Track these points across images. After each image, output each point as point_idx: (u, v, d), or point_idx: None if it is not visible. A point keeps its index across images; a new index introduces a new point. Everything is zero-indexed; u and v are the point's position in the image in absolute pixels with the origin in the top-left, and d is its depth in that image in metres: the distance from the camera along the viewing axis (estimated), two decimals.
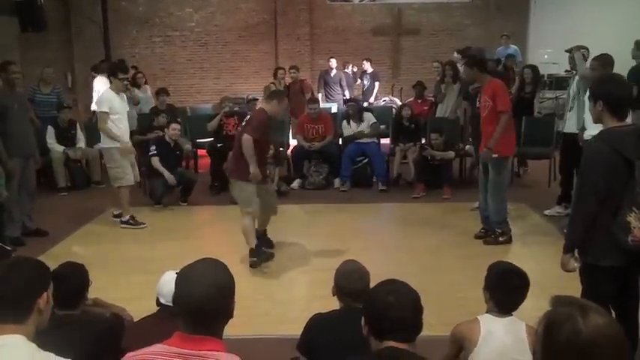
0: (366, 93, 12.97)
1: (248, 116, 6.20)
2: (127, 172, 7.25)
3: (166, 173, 8.10)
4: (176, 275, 2.06)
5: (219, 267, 2.08)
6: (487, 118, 6.24)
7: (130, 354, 2.00)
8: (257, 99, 10.86)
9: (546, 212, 7.33)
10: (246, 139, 5.72)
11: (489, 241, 6.46)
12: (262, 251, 6.00)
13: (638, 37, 8.60)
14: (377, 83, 12.96)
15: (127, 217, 7.34)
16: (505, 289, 2.94)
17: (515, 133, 6.43)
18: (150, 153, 8.27)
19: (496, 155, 6.15)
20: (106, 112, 7.05)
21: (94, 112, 10.20)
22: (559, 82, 12.10)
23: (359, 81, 13.22)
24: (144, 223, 7.37)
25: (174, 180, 8.15)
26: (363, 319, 2.26)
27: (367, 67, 12.96)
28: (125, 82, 7.61)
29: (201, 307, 1.94)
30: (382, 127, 9.74)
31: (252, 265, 5.80)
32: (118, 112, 7.15)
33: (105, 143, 7.19)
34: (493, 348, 2.81)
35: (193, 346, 1.93)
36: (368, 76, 12.97)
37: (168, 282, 2.95)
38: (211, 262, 2.09)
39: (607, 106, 3.37)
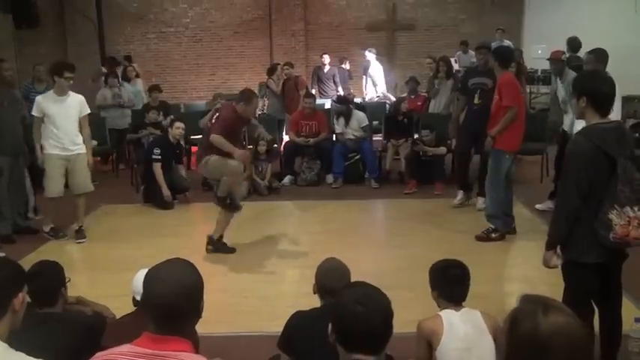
0: (369, 88, 12.75)
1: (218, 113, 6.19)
2: (48, 182, 6.67)
3: (164, 188, 7.90)
4: (144, 275, 2.05)
5: (188, 267, 2.06)
6: (494, 111, 6.30)
7: (99, 353, 2.00)
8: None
9: (538, 206, 7.34)
10: (214, 137, 5.74)
11: (481, 236, 6.46)
12: (223, 244, 6.24)
13: (632, 32, 8.63)
14: (381, 78, 12.70)
15: (48, 227, 6.85)
16: (448, 282, 3.11)
17: (524, 131, 6.40)
18: (153, 157, 8.01)
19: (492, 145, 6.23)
20: (36, 117, 6.54)
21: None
22: None
23: (364, 78, 12.98)
24: (66, 236, 6.84)
25: (170, 197, 7.95)
26: (330, 326, 2.10)
27: (371, 58, 12.64)
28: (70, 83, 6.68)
29: (168, 308, 1.93)
30: (375, 122, 9.72)
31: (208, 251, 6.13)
32: (52, 115, 6.49)
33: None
34: (457, 338, 2.94)
35: (160, 347, 1.93)
36: (368, 71, 12.73)
37: (142, 279, 2.95)
38: (179, 262, 2.08)
39: (591, 102, 3.38)
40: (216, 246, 6.19)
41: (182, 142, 8.67)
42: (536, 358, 1.67)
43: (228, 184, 6.00)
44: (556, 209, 3.55)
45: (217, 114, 6.11)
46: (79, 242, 6.72)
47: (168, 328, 1.95)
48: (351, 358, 2.02)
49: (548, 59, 7.53)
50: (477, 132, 7.17)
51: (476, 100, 7.32)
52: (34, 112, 6.55)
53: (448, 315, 3.02)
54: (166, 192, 7.92)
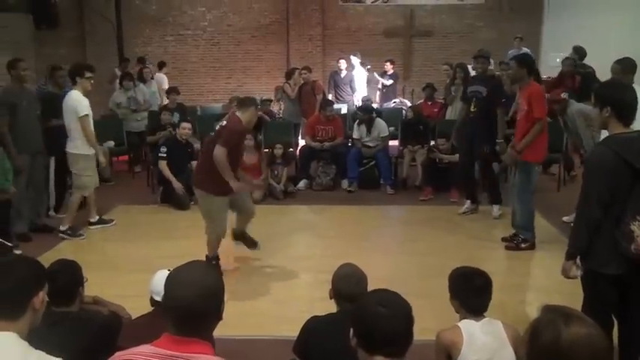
0: (387, 95, 12.79)
1: (220, 124, 5.57)
2: (89, 180, 6.95)
3: (173, 181, 8.02)
4: (166, 277, 2.05)
5: (209, 269, 2.10)
6: (521, 121, 6.26)
7: (118, 353, 1.99)
8: (270, 100, 10.87)
9: (565, 219, 7.18)
10: (219, 152, 5.17)
11: (511, 246, 6.44)
12: (217, 259, 5.72)
13: None
14: (390, 82, 12.77)
15: (66, 226, 6.92)
16: (471, 293, 3.01)
17: (547, 139, 6.38)
18: (159, 155, 8.20)
19: (519, 158, 6.22)
20: (88, 115, 6.72)
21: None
22: None
23: (380, 81, 13.01)
24: (83, 235, 6.95)
25: (182, 189, 7.98)
26: (351, 330, 2.12)
27: (388, 69, 12.74)
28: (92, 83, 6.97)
29: (189, 309, 1.92)
30: (391, 128, 9.70)
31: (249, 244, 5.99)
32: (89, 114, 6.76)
33: (77, 149, 6.79)
34: (477, 350, 2.88)
35: (180, 349, 1.92)
36: (387, 77, 12.79)
37: (161, 280, 2.95)
38: (201, 265, 2.09)
39: (614, 112, 3.34)
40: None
41: (192, 142, 8.69)
42: None
43: (215, 235, 5.62)
44: (576, 219, 3.50)
45: (221, 125, 5.51)
46: (113, 225, 7.29)
47: (189, 330, 1.94)
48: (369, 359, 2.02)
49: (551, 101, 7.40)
50: (472, 140, 7.15)
51: (472, 108, 7.30)
52: (87, 111, 6.69)
53: (468, 325, 2.96)
54: (177, 184, 8.01)
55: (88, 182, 6.95)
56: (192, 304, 1.92)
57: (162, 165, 8.15)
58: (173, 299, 1.96)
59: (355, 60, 12.65)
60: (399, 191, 8.89)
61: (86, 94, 6.78)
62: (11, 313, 2.09)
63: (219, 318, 2.04)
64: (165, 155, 8.16)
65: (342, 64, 12.20)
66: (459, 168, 7.95)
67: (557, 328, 1.65)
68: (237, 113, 5.48)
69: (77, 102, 6.66)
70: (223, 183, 5.27)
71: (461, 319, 3.04)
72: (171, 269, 3.11)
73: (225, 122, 5.48)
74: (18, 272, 2.17)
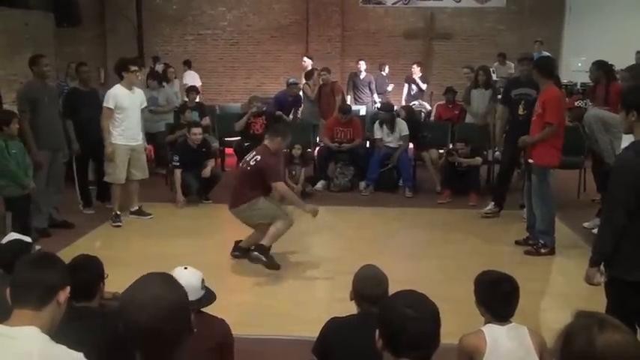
0: (414, 97, 12.55)
1: (255, 156, 5.83)
2: (115, 170, 7.19)
3: (179, 194, 8.09)
4: (120, 298, 1.86)
5: (165, 283, 1.82)
6: (535, 123, 6.23)
7: None
8: (297, 83, 10.77)
9: (585, 225, 7.13)
10: (280, 187, 5.75)
11: (530, 251, 6.39)
12: (271, 257, 5.69)
13: None
14: (425, 86, 12.61)
15: (113, 213, 7.31)
16: (498, 298, 2.93)
17: (562, 144, 6.33)
18: (173, 164, 8.23)
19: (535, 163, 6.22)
20: (110, 108, 7.01)
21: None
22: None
23: (406, 86, 12.85)
24: (120, 223, 7.27)
25: (183, 203, 8.08)
26: (377, 331, 2.06)
27: (416, 71, 12.51)
28: (139, 76, 7.69)
29: (153, 333, 1.70)
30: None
31: (252, 259, 5.60)
32: (126, 108, 7.09)
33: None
34: (500, 356, 2.81)
35: None
36: (421, 80, 12.55)
37: (178, 277, 2.94)
38: (155, 279, 1.83)
39: None
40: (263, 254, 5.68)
41: (209, 142, 8.75)
42: None
43: (281, 231, 5.75)
44: (602, 226, 3.46)
45: (256, 159, 5.80)
46: (148, 218, 7.54)
47: (160, 355, 1.74)
48: None
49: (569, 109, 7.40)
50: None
51: (520, 111, 7.23)
52: (109, 104, 7.00)
53: (492, 330, 2.89)
54: (180, 197, 8.11)
55: (105, 168, 7.31)
56: (156, 327, 1.70)
57: (177, 174, 8.16)
58: (132, 325, 1.72)
59: (363, 66, 12.47)
60: (417, 194, 8.85)
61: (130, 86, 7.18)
62: (36, 303, 2.12)
63: (191, 332, 1.83)
64: (178, 164, 8.15)
65: (362, 65, 12.15)
66: (500, 173, 7.88)
67: (591, 333, 1.62)
68: (266, 142, 5.93)
69: (107, 94, 7.12)
70: (253, 191, 5.72)
71: (485, 323, 2.97)
72: (185, 267, 3.12)
73: (259, 157, 5.79)
74: (47, 264, 2.24)
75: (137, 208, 7.58)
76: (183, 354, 1.78)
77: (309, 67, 11.75)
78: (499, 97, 8.30)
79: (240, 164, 6.42)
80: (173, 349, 1.75)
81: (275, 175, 5.74)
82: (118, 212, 7.29)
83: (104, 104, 7.06)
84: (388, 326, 2.01)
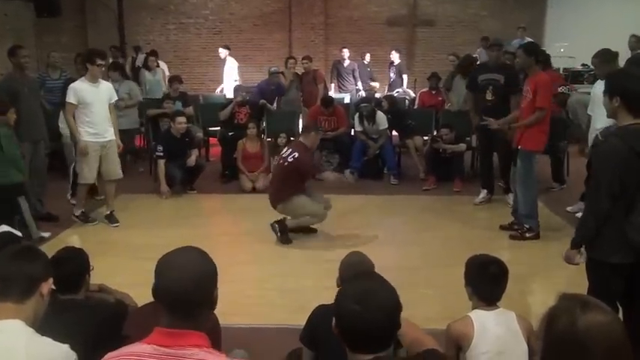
0: (393, 85, 12.57)
1: (292, 153, 6.25)
2: (83, 169, 6.77)
3: (163, 185, 8.03)
4: (157, 262, 1.96)
5: (201, 255, 1.97)
6: (525, 109, 6.26)
7: (110, 355, 1.91)
8: (281, 72, 10.71)
9: (569, 209, 7.19)
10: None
11: (515, 236, 6.43)
12: (286, 236, 6.34)
13: None
14: (405, 76, 12.59)
15: (79, 212, 6.98)
16: (486, 280, 2.97)
17: (548, 129, 6.36)
18: (157, 154, 8.16)
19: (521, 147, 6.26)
20: (72, 104, 6.56)
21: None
22: (575, 76, 11.92)
23: (391, 73, 12.78)
24: (95, 220, 7.04)
25: (167, 193, 8.03)
26: (333, 322, 1.93)
27: (395, 58, 12.53)
28: (102, 69, 6.99)
29: (182, 296, 1.84)
30: None
31: (272, 228, 6.34)
32: (90, 103, 6.59)
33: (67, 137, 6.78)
34: (488, 341, 2.83)
35: (175, 342, 1.82)
36: (394, 68, 12.61)
37: None
38: (191, 250, 1.99)
39: (624, 102, 3.29)
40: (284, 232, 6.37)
41: (193, 133, 8.72)
42: (573, 356, 1.64)
43: (309, 223, 6.41)
44: (585, 210, 3.49)
45: (294, 156, 6.21)
46: (115, 226, 6.92)
47: (182, 319, 1.85)
48: (354, 357, 1.90)
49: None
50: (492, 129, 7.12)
51: (488, 97, 7.26)
52: (71, 100, 6.56)
53: (479, 316, 2.91)
54: (164, 187, 8.04)
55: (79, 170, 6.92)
56: (185, 290, 1.84)
57: (160, 165, 8.10)
58: (164, 286, 1.87)
59: (346, 53, 12.41)
60: (402, 181, 8.87)
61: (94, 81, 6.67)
62: (19, 296, 2.12)
63: (213, 306, 1.99)
64: (162, 154, 8.08)
65: (345, 53, 12.13)
66: (480, 159, 7.91)
67: (573, 315, 1.63)
68: (301, 139, 6.43)
69: (69, 88, 6.66)
70: (292, 188, 6.22)
71: (473, 308, 2.99)
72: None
73: (296, 154, 6.21)
74: (31, 256, 2.25)
75: (109, 212, 7.04)
76: (202, 326, 1.91)
77: (223, 57, 12.13)
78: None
79: (277, 160, 6.73)
80: (197, 315, 1.89)
81: (311, 171, 6.26)
82: (83, 211, 6.99)
83: (66, 99, 6.64)
84: (338, 321, 1.89)
